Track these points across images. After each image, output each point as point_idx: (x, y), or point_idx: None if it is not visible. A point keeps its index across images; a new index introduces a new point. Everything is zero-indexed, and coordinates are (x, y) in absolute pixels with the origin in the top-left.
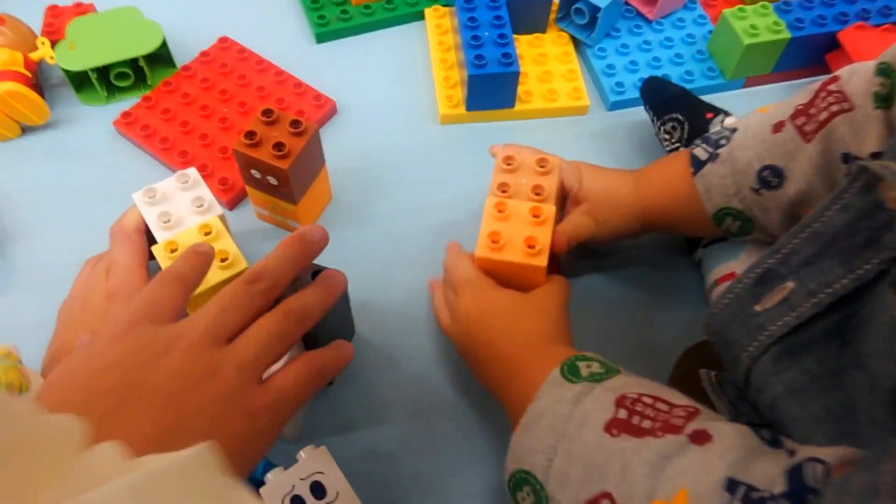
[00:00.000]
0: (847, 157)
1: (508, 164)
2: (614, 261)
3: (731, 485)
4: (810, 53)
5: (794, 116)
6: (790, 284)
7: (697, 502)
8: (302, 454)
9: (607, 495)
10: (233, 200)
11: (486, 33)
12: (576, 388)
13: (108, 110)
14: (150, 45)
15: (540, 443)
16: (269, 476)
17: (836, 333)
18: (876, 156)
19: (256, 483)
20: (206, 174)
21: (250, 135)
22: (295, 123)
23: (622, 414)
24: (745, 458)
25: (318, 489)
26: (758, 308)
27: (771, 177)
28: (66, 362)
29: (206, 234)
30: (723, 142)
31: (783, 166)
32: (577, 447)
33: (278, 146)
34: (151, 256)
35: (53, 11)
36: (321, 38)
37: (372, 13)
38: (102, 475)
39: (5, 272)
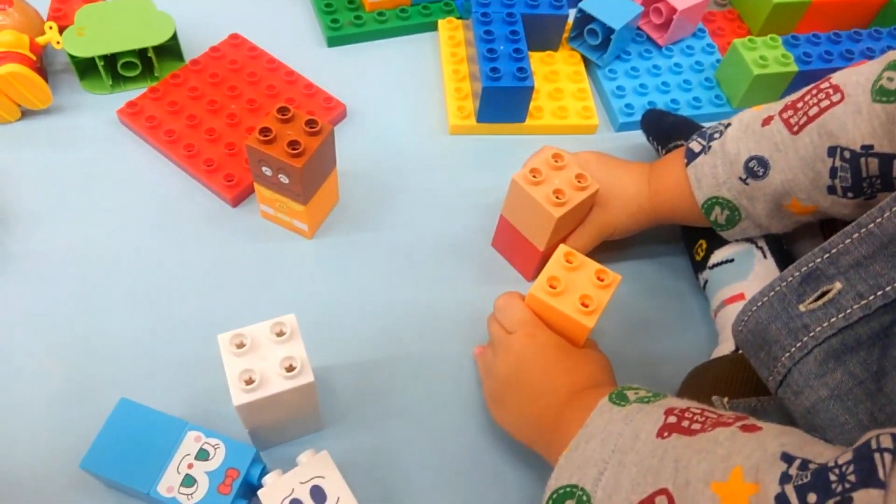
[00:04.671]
0: (833, 151)
1: (556, 161)
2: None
3: (787, 457)
4: None
5: (782, 111)
6: (838, 285)
7: (753, 475)
8: (302, 458)
9: (663, 491)
10: (238, 197)
11: (502, 47)
12: (625, 409)
13: (111, 99)
14: (160, 37)
15: (590, 458)
16: (267, 479)
17: (882, 336)
18: (869, 149)
19: (253, 488)
20: (212, 169)
21: (265, 131)
22: (311, 123)
23: (672, 419)
24: (800, 440)
25: (318, 494)
26: (802, 308)
27: (757, 167)
28: None
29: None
30: (716, 135)
31: (769, 157)
32: (629, 457)
33: (293, 144)
34: None
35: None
36: (333, 42)
37: (385, 21)
38: None
39: None
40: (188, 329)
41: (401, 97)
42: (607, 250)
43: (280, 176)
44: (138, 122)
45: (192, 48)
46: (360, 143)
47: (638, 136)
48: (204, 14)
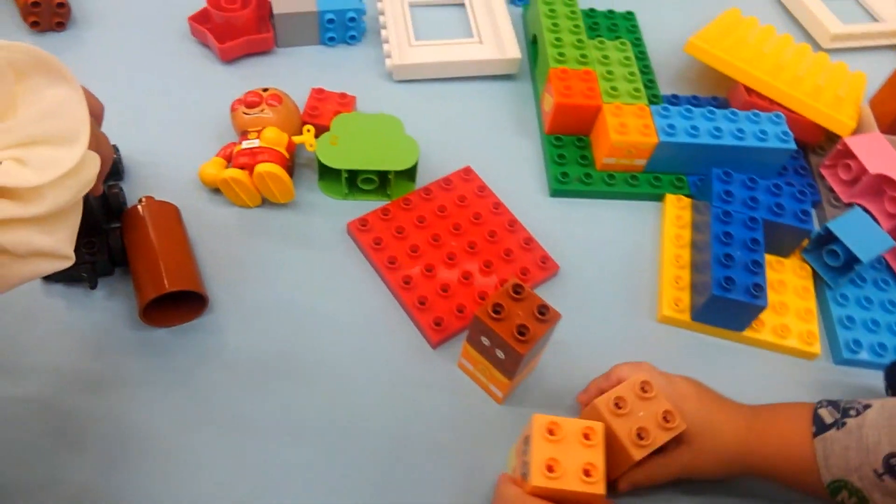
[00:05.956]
0: None
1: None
2: None
3: None
4: None
5: None
6: None
7: None
8: None
9: None
10: (440, 342)
11: (738, 253)
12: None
13: (343, 206)
14: (404, 163)
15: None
16: None
17: None
18: None
19: None
20: (423, 308)
21: (497, 307)
22: (542, 310)
23: None
24: None
25: None
26: None
27: None
28: None
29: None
30: (852, 412)
31: None
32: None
33: (522, 329)
34: None
35: (319, 95)
36: (556, 194)
37: (614, 184)
38: None
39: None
40: (363, 452)
41: (614, 267)
42: None
43: (497, 350)
44: (366, 240)
45: (426, 170)
46: (565, 306)
47: (859, 376)
48: (442, 140)
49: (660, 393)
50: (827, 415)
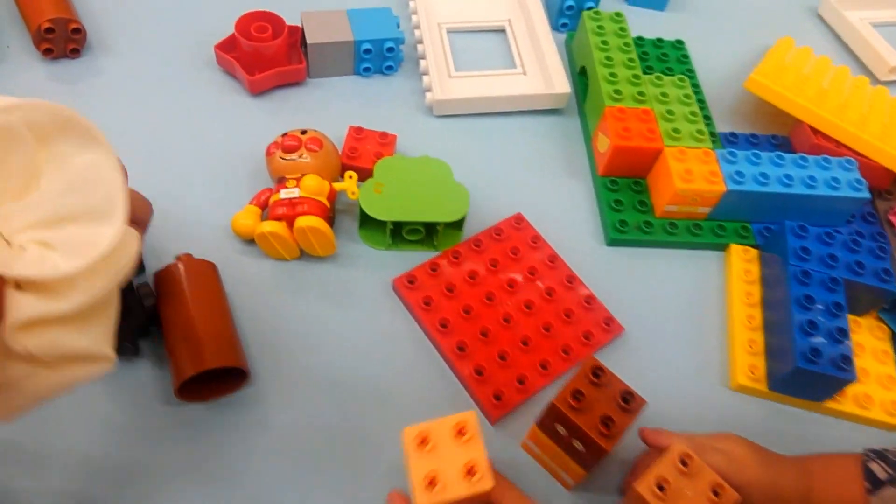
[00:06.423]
0: None
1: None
2: None
3: None
4: None
5: None
6: None
7: None
8: None
9: None
10: (500, 419)
11: (821, 319)
12: None
13: (384, 256)
14: (455, 213)
15: None
16: None
17: None
18: None
19: None
20: (480, 380)
21: (577, 395)
22: (627, 397)
23: None
24: None
25: None
26: None
27: None
28: None
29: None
30: None
31: None
32: None
33: (607, 422)
34: None
35: (358, 134)
36: (613, 243)
37: (675, 233)
38: None
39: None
40: None
41: (679, 325)
42: None
43: (575, 441)
44: (414, 300)
45: (472, 214)
46: (629, 371)
47: None
48: (488, 180)
49: (703, 465)
50: (879, 469)
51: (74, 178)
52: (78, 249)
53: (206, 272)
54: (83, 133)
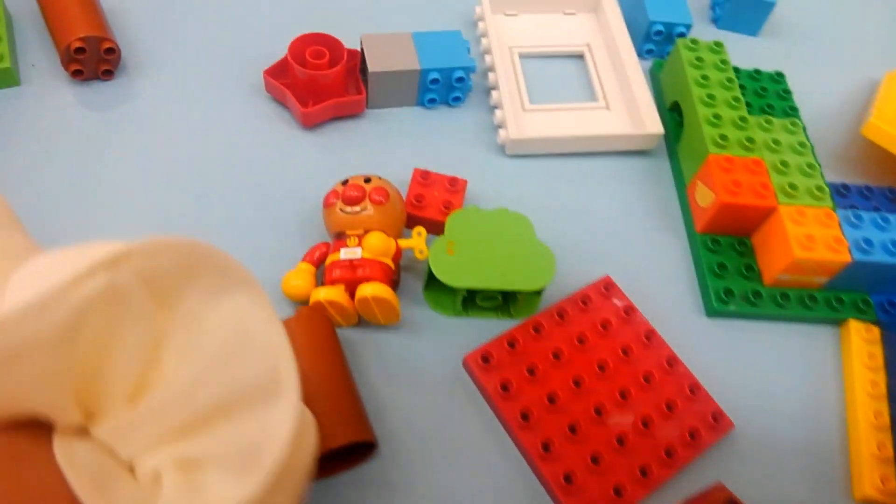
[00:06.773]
0: None
1: None
2: None
3: None
4: None
5: None
6: None
7: None
8: None
9: None
10: None
11: None
12: None
13: (453, 323)
14: (539, 281)
15: None
16: None
17: None
18: None
19: None
20: (569, 490)
21: None
22: None
23: None
24: None
25: None
26: None
27: None
28: None
29: None
30: None
31: None
32: None
33: None
34: None
35: (424, 179)
36: (714, 314)
37: (786, 306)
38: None
39: None
40: None
41: (792, 417)
42: None
43: None
44: (490, 383)
45: (555, 279)
46: (738, 479)
47: None
48: (569, 234)
49: None
50: None
51: (216, 349)
52: (240, 460)
53: (324, 330)
54: (219, 273)
